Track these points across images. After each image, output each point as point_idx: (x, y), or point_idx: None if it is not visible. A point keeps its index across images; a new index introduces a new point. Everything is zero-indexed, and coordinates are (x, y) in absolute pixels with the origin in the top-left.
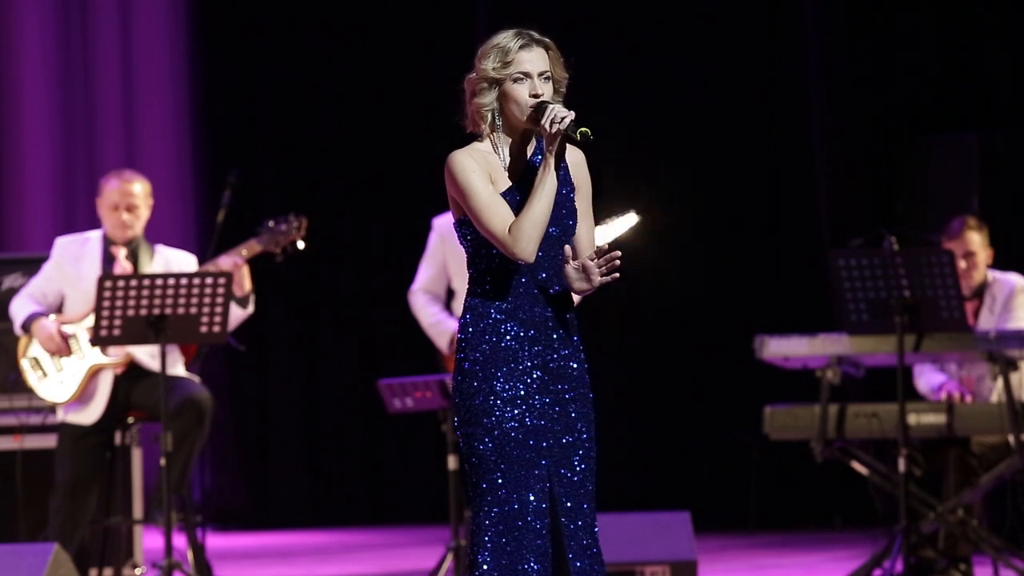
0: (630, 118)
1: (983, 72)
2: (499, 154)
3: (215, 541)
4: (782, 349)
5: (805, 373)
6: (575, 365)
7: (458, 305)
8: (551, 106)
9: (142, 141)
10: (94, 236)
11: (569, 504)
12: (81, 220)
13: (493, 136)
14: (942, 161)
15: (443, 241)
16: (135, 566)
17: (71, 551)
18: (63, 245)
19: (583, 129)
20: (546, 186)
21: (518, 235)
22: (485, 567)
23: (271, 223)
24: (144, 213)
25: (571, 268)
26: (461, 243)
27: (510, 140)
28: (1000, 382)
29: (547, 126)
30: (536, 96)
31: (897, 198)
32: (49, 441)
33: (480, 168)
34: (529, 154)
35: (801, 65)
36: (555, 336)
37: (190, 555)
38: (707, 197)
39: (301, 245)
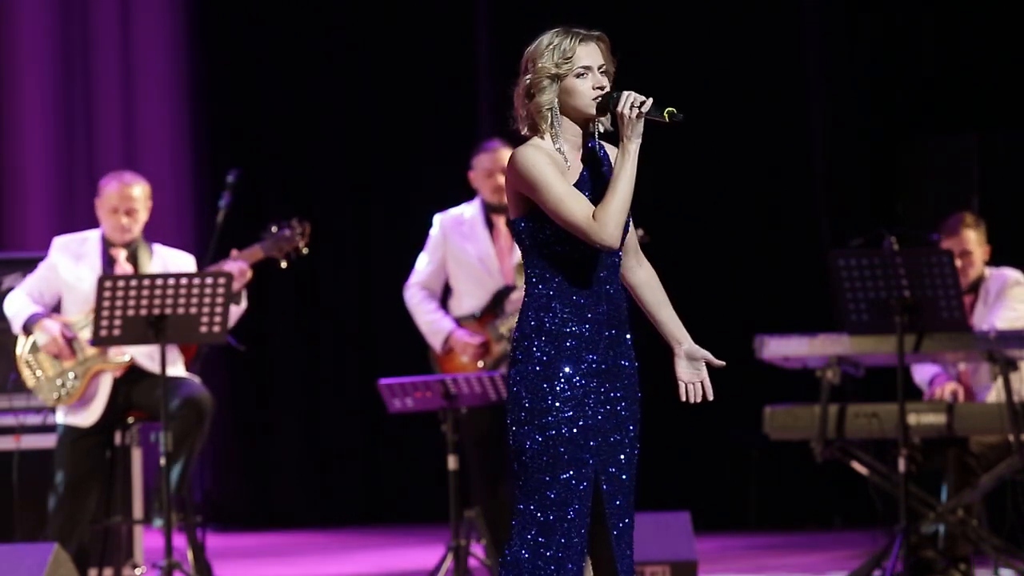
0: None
1: (983, 72)
2: (560, 151)
3: (215, 541)
4: (782, 349)
5: (805, 373)
6: (626, 363)
7: (455, 303)
8: (625, 93)
9: (142, 141)
10: (92, 236)
11: (618, 502)
12: (81, 220)
13: (552, 133)
14: (942, 161)
15: (445, 238)
16: (135, 566)
17: (71, 551)
18: (61, 245)
19: (670, 109)
20: (627, 171)
21: (605, 220)
22: (523, 556)
23: (274, 228)
24: (143, 216)
25: (685, 365)
26: (523, 241)
27: (569, 137)
28: (1000, 382)
29: (626, 111)
30: (601, 88)
31: (897, 198)
32: (47, 441)
33: (551, 161)
34: (590, 148)
35: (801, 65)
36: (610, 334)
37: (190, 555)
38: (707, 197)
39: (305, 251)
